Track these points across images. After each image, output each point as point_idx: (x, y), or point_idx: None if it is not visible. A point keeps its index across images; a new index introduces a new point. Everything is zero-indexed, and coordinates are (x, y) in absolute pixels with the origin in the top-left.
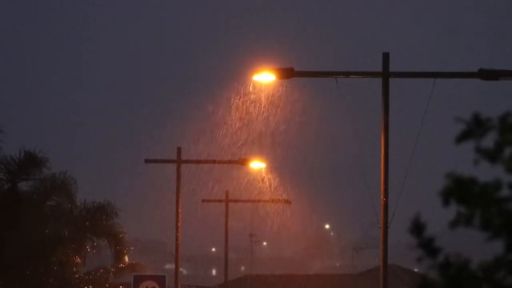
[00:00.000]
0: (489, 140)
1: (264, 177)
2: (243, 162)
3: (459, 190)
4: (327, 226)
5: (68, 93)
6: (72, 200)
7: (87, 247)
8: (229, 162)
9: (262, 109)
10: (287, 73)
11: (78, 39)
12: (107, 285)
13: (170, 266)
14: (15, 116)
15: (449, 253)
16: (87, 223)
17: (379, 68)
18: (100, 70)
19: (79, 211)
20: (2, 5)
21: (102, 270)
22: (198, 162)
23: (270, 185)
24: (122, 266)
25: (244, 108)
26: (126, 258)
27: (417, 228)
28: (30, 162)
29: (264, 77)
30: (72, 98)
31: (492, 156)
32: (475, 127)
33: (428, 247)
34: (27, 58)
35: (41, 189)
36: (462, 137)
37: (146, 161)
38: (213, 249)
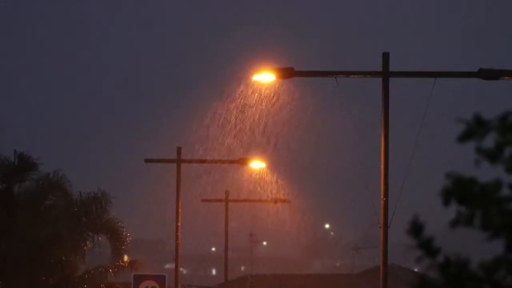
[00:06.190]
0: (490, 141)
1: (264, 177)
2: (243, 162)
3: (459, 190)
4: (327, 226)
5: (68, 93)
6: (68, 198)
7: (87, 243)
8: (229, 162)
9: (262, 109)
10: (287, 73)
11: (79, 38)
12: (105, 283)
13: (170, 265)
14: (14, 116)
15: (449, 253)
16: (84, 219)
17: (379, 68)
18: (101, 70)
19: (75, 206)
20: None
21: (101, 268)
22: (198, 161)
23: (270, 185)
24: (121, 264)
25: (244, 108)
26: (126, 257)
27: (416, 228)
28: (24, 164)
29: (264, 77)
30: (72, 98)
31: (493, 156)
32: (476, 128)
33: (428, 247)
34: (27, 57)
35: (37, 190)
36: (464, 138)
37: (146, 160)
38: (213, 249)
